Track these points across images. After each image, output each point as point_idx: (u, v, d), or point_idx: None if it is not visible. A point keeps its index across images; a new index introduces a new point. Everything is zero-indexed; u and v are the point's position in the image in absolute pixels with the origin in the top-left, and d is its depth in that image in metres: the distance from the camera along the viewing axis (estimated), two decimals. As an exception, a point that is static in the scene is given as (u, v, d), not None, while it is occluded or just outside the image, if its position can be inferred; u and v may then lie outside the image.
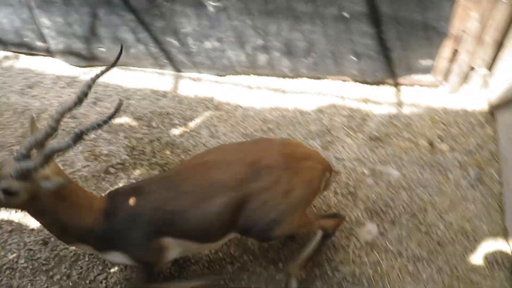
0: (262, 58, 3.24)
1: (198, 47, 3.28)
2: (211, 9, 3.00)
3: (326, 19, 2.86)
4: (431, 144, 2.88)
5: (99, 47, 3.48)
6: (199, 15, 3.07)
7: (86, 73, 3.66)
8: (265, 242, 2.48)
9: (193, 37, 3.22)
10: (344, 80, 3.27)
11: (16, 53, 3.86)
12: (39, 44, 3.65)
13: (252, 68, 3.35)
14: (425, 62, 2.95)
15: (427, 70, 3.01)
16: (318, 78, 3.31)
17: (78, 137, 1.59)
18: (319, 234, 2.25)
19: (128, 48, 3.42)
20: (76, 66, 3.70)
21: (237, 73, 3.44)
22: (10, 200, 1.72)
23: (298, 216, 2.08)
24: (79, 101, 1.73)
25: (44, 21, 3.39)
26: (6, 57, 3.86)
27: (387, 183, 2.73)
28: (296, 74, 3.31)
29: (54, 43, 3.57)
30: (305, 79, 3.36)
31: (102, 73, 1.78)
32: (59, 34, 3.46)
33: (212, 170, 1.99)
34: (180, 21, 3.13)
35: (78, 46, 3.50)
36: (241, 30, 3.08)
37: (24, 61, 3.81)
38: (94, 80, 1.76)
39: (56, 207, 1.82)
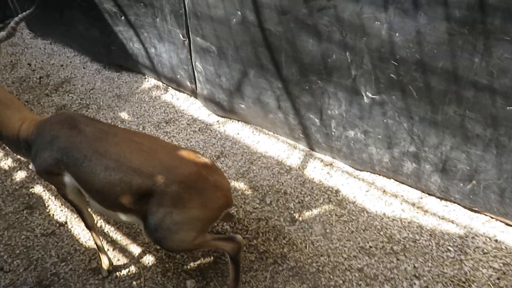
0: (409, 165, 2.75)
1: (339, 133, 2.94)
2: (366, 100, 2.64)
3: (505, 150, 2.28)
4: None
5: (240, 103, 3.36)
6: (351, 102, 2.73)
7: (221, 123, 3.58)
8: (168, 252, 2.63)
9: (337, 121, 2.89)
10: (507, 224, 2.60)
11: (166, 86, 3.98)
12: (187, 84, 3.69)
13: (393, 173, 2.88)
14: None
15: None
16: (473, 210, 2.69)
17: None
18: (228, 257, 2.31)
19: (267, 112, 3.23)
20: (214, 114, 3.64)
21: (374, 172, 2.99)
22: None
23: (192, 235, 2.16)
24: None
25: (198, 65, 3.40)
26: (157, 87, 3.99)
27: None
28: (445, 196, 2.74)
29: (200, 87, 3.56)
30: (455, 206, 2.76)
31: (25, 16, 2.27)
32: (207, 81, 3.43)
33: (138, 153, 2.13)
34: (328, 102, 2.83)
35: (221, 96, 3.43)
36: (393, 131, 2.66)
37: (170, 95, 3.90)
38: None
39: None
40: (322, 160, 3.20)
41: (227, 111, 3.52)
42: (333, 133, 2.98)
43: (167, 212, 2.07)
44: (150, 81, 4.06)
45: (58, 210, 2.95)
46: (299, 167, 3.17)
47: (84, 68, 4.26)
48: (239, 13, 2.81)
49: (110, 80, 4.10)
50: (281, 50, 2.80)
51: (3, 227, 2.86)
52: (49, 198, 3.03)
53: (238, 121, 3.57)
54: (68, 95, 3.94)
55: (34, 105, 3.84)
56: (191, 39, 3.30)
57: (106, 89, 4.00)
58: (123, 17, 3.64)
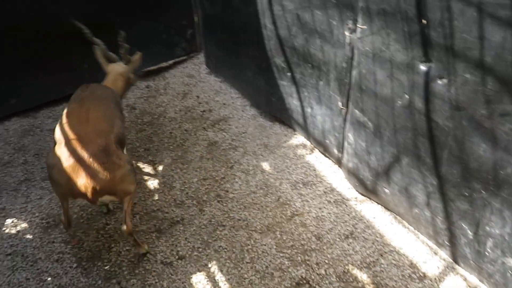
0: None
1: (495, 256, 2.46)
2: (540, 230, 2.16)
3: None
4: None
5: (384, 187, 3.09)
6: (519, 227, 2.27)
7: (358, 201, 3.35)
8: None
9: (495, 242, 2.43)
10: None
11: (313, 147, 3.92)
12: (334, 151, 3.57)
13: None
14: None
15: None
16: None
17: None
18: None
19: (413, 206, 2.91)
20: (354, 189, 3.43)
21: (531, 317, 2.42)
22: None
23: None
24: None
25: (350, 136, 3.26)
26: (304, 145, 3.95)
27: None
28: None
29: (346, 159, 3.40)
30: None
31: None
32: (355, 154, 3.26)
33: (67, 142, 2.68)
34: (489, 217, 2.40)
35: (366, 174, 3.21)
36: None
37: (315, 157, 3.81)
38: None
39: None
40: (465, 279, 2.72)
41: (369, 190, 3.28)
42: (487, 253, 2.52)
43: None
44: (298, 138, 4.05)
45: (182, 243, 3.06)
46: (435, 278, 2.74)
47: (242, 111, 4.47)
48: (407, 96, 2.60)
49: (262, 128, 4.21)
50: (445, 146, 2.50)
51: (132, 243, 3.06)
52: (177, 228, 3.16)
53: (378, 204, 3.30)
54: (221, 133, 4.16)
55: (191, 135, 4.13)
56: (349, 110, 3.19)
57: (256, 136, 4.10)
58: (289, 73, 3.73)
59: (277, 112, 4.19)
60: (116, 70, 3.47)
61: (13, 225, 3.16)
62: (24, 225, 3.16)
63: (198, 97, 4.73)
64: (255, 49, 4.03)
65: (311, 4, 3.17)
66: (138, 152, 3.90)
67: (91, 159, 2.53)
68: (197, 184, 3.56)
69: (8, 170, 3.67)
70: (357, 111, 3.08)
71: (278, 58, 3.76)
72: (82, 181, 2.49)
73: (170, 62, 5.35)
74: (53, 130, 2.87)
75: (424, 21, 2.31)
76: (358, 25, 2.82)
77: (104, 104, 3.01)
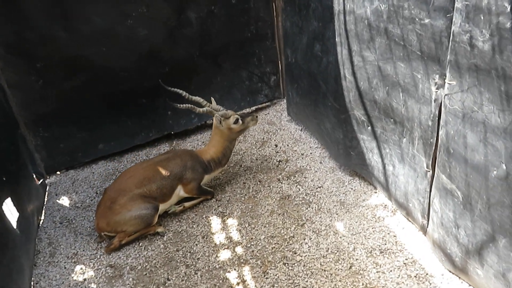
0: None
1: None
2: None
3: None
4: None
5: (476, 268, 2.61)
6: None
7: (445, 279, 2.87)
8: None
9: None
10: None
11: (395, 209, 3.51)
12: (418, 217, 3.14)
13: None
14: None
15: None
16: None
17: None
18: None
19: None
20: (441, 264, 2.97)
21: None
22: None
23: None
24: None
25: (435, 204, 2.84)
26: (384, 206, 3.56)
27: None
28: None
29: (432, 228, 2.96)
30: None
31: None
32: (441, 225, 2.82)
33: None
34: None
35: (454, 249, 2.75)
36: None
37: (396, 221, 3.40)
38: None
39: None
40: None
41: (458, 268, 2.80)
42: None
43: None
44: (379, 197, 3.67)
45: (240, 308, 2.86)
46: None
47: (320, 163, 4.22)
48: (504, 167, 2.18)
49: (340, 183, 3.91)
50: (554, 232, 2.02)
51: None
52: (237, 293, 2.97)
53: (469, 285, 2.79)
54: (296, 186, 3.94)
55: (264, 187, 3.98)
56: (435, 174, 2.80)
57: (333, 192, 3.81)
58: (369, 128, 3.43)
59: (357, 167, 3.87)
60: (214, 123, 3.74)
61: (81, 272, 3.22)
62: (91, 273, 3.20)
63: (276, 145, 4.59)
64: (334, 100, 3.81)
65: (394, 55, 2.89)
66: (209, 202, 3.83)
67: (102, 205, 3.38)
68: (264, 241, 3.35)
69: (86, 214, 3.82)
70: (444, 177, 2.68)
71: (358, 111, 3.49)
72: (95, 219, 3.42)
73: (253, 108, 5.33)
74: None
75: (524, 81, 1.93)
76: (446, 80, 2.49)
77: (160, 171, 3.55)
